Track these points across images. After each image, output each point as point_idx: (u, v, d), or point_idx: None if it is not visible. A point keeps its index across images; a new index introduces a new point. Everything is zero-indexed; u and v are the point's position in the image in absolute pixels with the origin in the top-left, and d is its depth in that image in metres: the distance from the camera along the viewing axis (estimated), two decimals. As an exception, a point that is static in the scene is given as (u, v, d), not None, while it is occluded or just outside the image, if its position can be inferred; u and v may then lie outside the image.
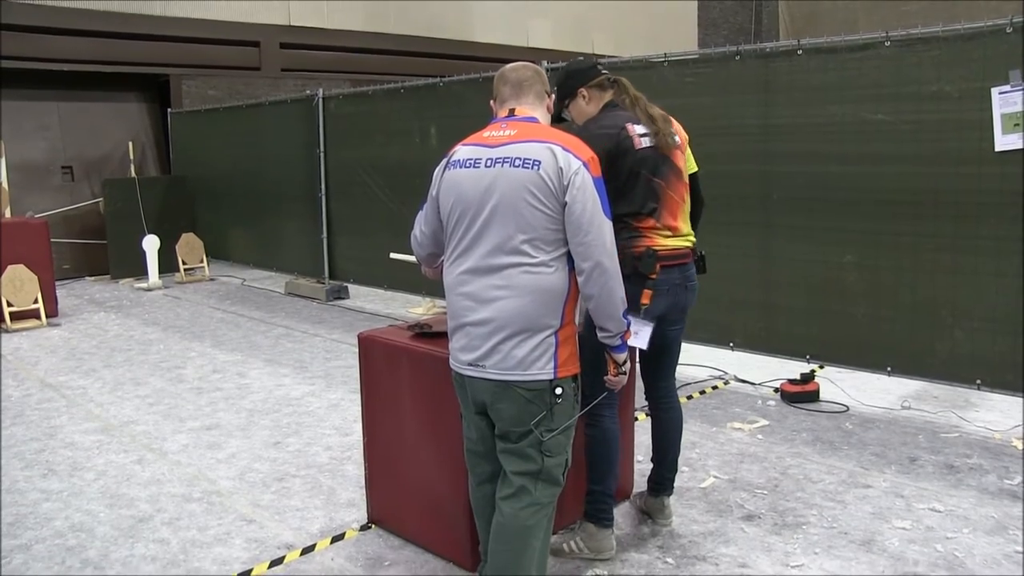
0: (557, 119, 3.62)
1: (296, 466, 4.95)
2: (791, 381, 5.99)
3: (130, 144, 12.57)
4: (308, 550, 3.92)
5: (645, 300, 3.48)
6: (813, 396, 5.88)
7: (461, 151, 3.06)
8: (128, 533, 4.14)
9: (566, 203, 2.84)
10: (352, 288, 10.21)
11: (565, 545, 3.74)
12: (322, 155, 10.02)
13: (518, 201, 2.85)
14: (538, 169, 2.84)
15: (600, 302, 2.93)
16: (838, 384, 6.11)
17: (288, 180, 10.74)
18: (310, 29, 14.54)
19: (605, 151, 3.34)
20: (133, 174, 12.35)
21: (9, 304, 8.87)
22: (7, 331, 8.78)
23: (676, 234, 3.60)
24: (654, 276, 3.49)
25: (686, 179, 3.71)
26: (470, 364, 2.99)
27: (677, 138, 3.68)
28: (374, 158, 9.36)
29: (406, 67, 15.04)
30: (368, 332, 4.04)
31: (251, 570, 3.75)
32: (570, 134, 3.04)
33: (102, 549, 3.98)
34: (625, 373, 3.21)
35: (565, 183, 2.83)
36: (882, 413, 5.67)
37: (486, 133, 3.04)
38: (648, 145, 3.55)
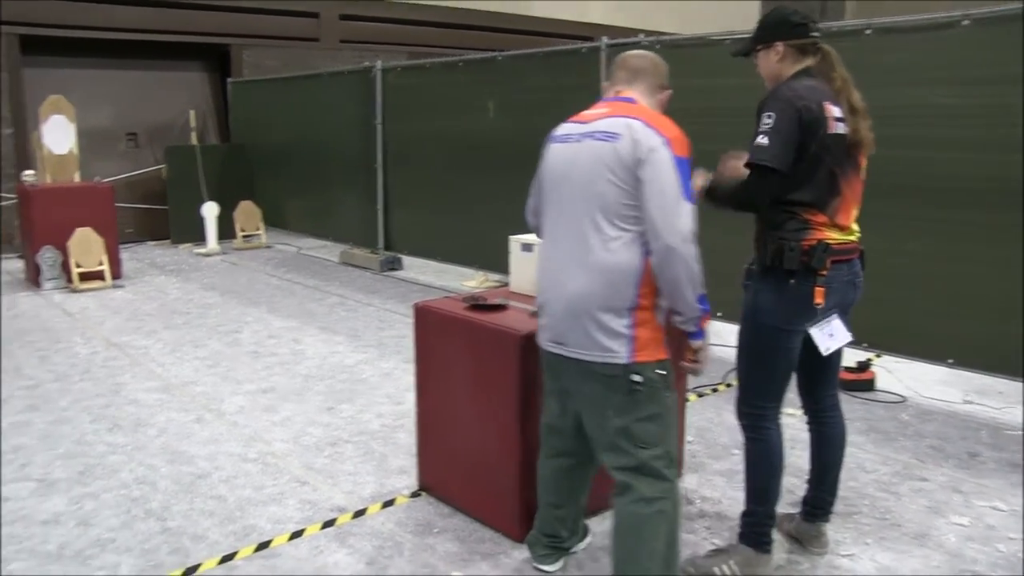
0: (741, 54, 3.43)
1: (349, 432, 5.09)
2: (846, 368, 5.80)
3: (191, 112, 12.80)
4: (359, 514, 4.04)
5: (819, 299, 3.17)
6: (868, 385, 5.81)
7: (562, 127, 3.08)
8: (188, 488, 4.30)
9: (640, 179, 2.77)
10: (406, 259, 10.34)
11: (716, 568, 3.43)
12: (379, 126, 10.13)
13: (596, 175, 2.83)
14: (616, 142, 2.80)
15: (670, 285, 2.81)
16: (895, 374, 6.04)
17: (345, 150, 10.88)
18: (369, 1, 14.63)
19: (796, 124, 3.05)
20: (194, 142, 12.59)
21: (77, 265, 9.14)
22: (75, 291, 9.04)
23: (846, 229, 3.25)
24: (824, 272, 3.16)
25: (863, 177, 3.35)
26: (552, 342, 2.98)
27: (871, 135, 3.27)
28: (430, 130, 9.44)
29: (463, 40, 15.10)
30: (423, 302, 4.12)
31: (304, 530, 3.88)
32: (661, 115, 2.95)
33: (163, 501, 4.14)
34: (700, 362, 3.06)
35: (641, 157, 2.75)
36: (941, 406, 5.57)
37: (588, 111, 3.03)
38: (839, 132, 3.16)
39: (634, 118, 2.83)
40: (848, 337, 3.29)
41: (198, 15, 12.92)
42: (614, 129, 2.83)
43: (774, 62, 3.28)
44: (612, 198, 2.79)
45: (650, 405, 2.86)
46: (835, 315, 3.25)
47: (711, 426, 5.09)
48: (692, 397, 5.46)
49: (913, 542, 3.78)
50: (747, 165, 3.11)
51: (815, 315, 3.19)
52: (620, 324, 2.82)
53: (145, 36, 12.55)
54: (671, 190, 2.75)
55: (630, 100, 3.00)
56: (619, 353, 2.81)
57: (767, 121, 3.07)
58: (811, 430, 3.66)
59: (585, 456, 3.22)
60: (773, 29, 3.28)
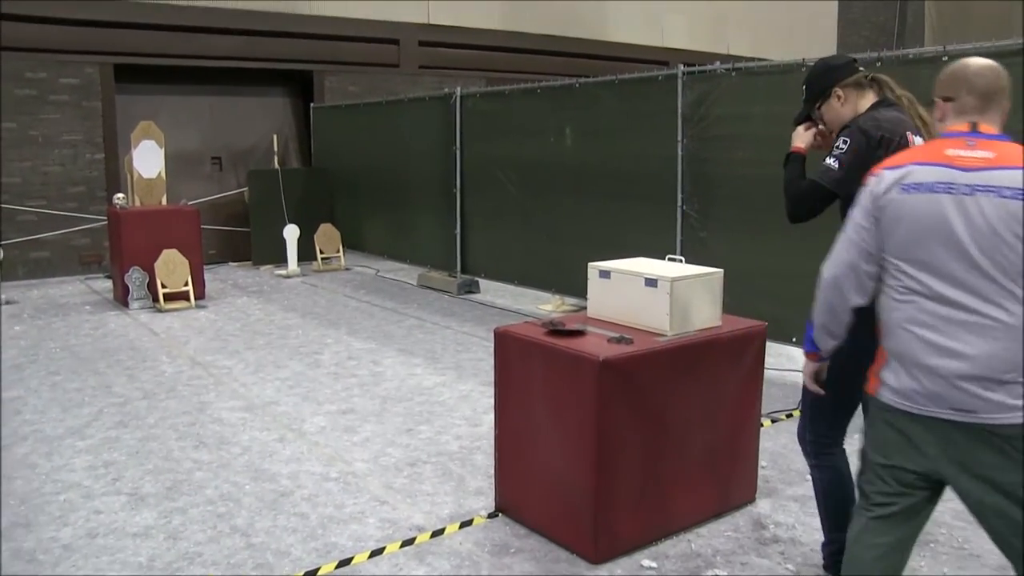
0: (805, 117, 3.45)
1: (427, 453, 5.15)
2: None
3: (274, 137, 13.13)
4: (438, 533, 4.08)
5: None
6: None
7: (919, 172, 2.51)
8: (271, 505, 4.39)
9: None
10: (483, 282, 10.42)
11: None
12: (458, 151, 10.26)
13: (1002, 237, 2.40)
14: None
15: None
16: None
17: (424, 175, 11.04)
18: (448, 28, 14.86)
19: (867, 153, 3.01)
20: (276, 166, 12.89)
21: (163, 285, 9.42)
22: (160, 310, 9.31)
23: None
24: None
25: None
26: (950, 408, 2.45)
27: None
28: (509, 156, 9.54)
29: (541, 65, 15.23)
30: (503, 327, 4.18)
31: (384, 548, 3.93)
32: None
33: (248, 518, 4.24)
34: None
35: None
36: None
37: (949, 151, 2.50)
38: None
39: None
40: None
41: (283, 42, 13.28)
42: (1019, 185, 2.41)
43: (839, 107, 3.30)
44: (1014, 259, 2.41)
45: None
46: None
47: (785, 451, 5.04)
48: (766, 423, 5.41)
49: (993, 574, 3.70)
50: (812, 183, 3.16)
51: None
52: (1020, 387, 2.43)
53: (231, 63, 12.94)
54: None
55: (1004, 138, 2.54)
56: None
57: (841, 146, 3.10)
58: None
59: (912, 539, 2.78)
60: (825, 78, 3.34)
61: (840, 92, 3.27)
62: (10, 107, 11.25)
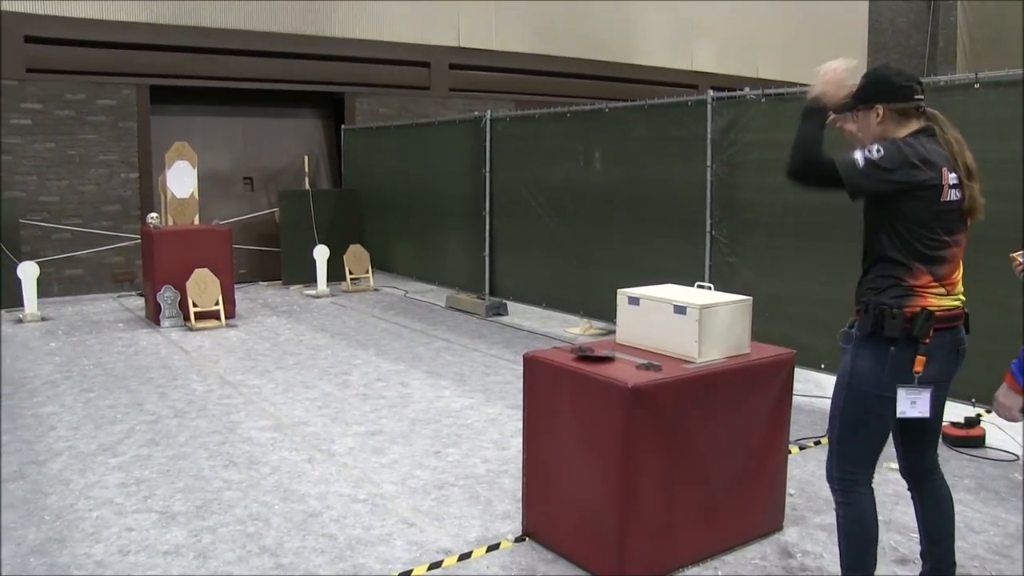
0: (844, 109, 3.25)
1: (455, 476, 5.17)
2: (954, 424, 5.72)
3: (305, 158, 13.28)
4: (465, 556, 4.10)
5: (918, 367, 3.07)
6: (978, 441, 5.63)
7: None
8: (300, 526, 4.43)
9: None
10: (511, 305, 10.45)
11: None
12: (487, 174, 10.33)
13: None
14: None
15: None
16: (1007, 431, 5.83)
17: (453, 197, 11.11)
18: (478, 51, 14.98)
19: (906, 184, 2.99)
20: (307, 186, 13.02)
21: (194, 304, 9.53)
22: (191, 329, 9.42)
23: (951, 293, 3.14)
24: (927, 341, 3.06)
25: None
26: None
27: (981, 201, 3.14)
28: (538, 179, 9.59)
29: (570, 88, 15.34)
30: (533, 352, 4.20)
31: (411, 571, 3.95)
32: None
33: (277, 538, 4.27)
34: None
35: None
36: (1055, 464, 5.37)
37: None
38: (954, 199, 3.05)
39: None
40: (927, 413, 3.13)
41: (315, 65, 13.45)
42: None
43: (874, 124, 3.18)
44: None
45: None
46: (930, 388, 3.12)
47: (813, 479, 5.01)
48: (794, 450, 5.38)
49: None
50: (831, 163, 3.05)
51: (913, 381, 3.10)
52: None
53: (264, 85, 13.13)
54: None
55: None
56: None
57: (876, 151, 2.99)
58: (912, 496, 3.54)
59: None
60: (875, 90, 3.17)
61: (882, 111, 3.15)
62: (49, 128, 11.48)
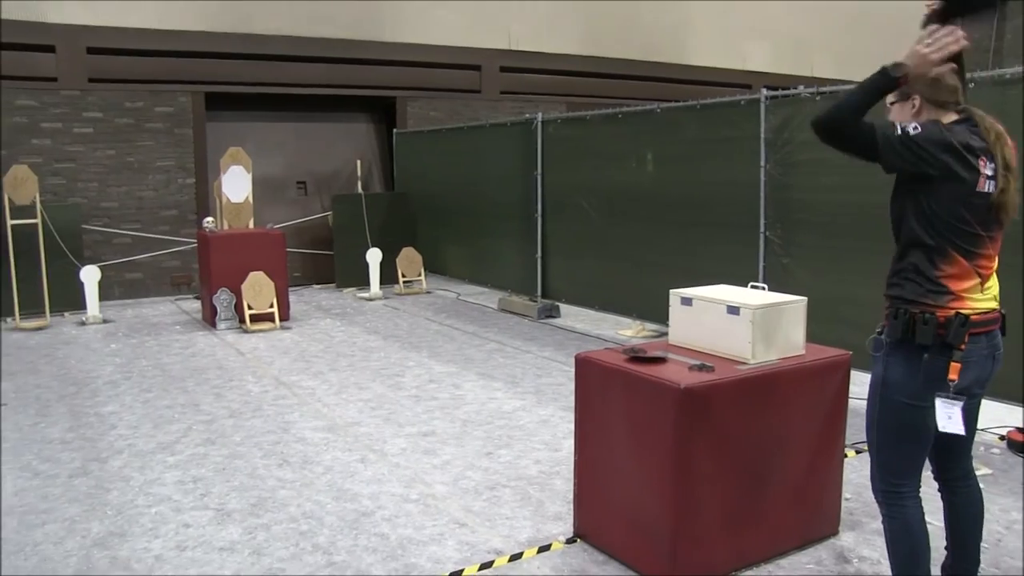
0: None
1: (507, 477, 5.17)
2: (1019, 429, 5.60)
3: (358, 162, 13.39)
4: (516, 557, 4.10)
5: (953, 375, 2.95)
6: (1046, 447, 5.51)
7: None
8: (352, 525, 4.46)
9: None
10: (563, 307, 10.43)
11: None
12: (539, 176, 10.33)
13: None
14: None
15: None
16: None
17: (505, 199, 11.14)
18: (529, 53, 15.00)
19: (940, 165, 2.89)
20: (360, 190, 13.13)
21: (249, 307, 9.66)
22: (246, 331, 9.55)
23: (986, 292, 3.04)
24: (962, 348, 2.96)
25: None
26: None
27: (1017, 199, 3.04)
28: (589, 181, 9.57)
29: (621, 90, 15.28)
30: (584, 353, 4.19)
31: (463, 570, 3.96)
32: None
33: (330, 537, 4.32)
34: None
35: None
36: (1119, 468, 5.23)
37: None
38: (989, 191, 2.95)
39: None
40: (961, 430, 3.00)
41: (367, 69, 13.58)
42: None
43: (909, 115, 3.07)
44: None
45: None
46: (963, 402, 2.98)
47: (869, 483, 4.91)
48: (850, 453, 5.29)
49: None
50: (870, 126, 2.92)
51: (948, 390, 2.98)
52: None
53: (317, 90, 13.29)
54: None
55: None
56: None
57: (913, 128, 2.90)
58: (943, 498, 3.44)
59: None
60: (915, 81, 3.03)
61: (918, 102, 3.06)
62: (108, 135, 11.77)
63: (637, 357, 3.93)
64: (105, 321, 10.25)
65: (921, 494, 3.24)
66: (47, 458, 5.53)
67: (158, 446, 5.73)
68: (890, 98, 3.12)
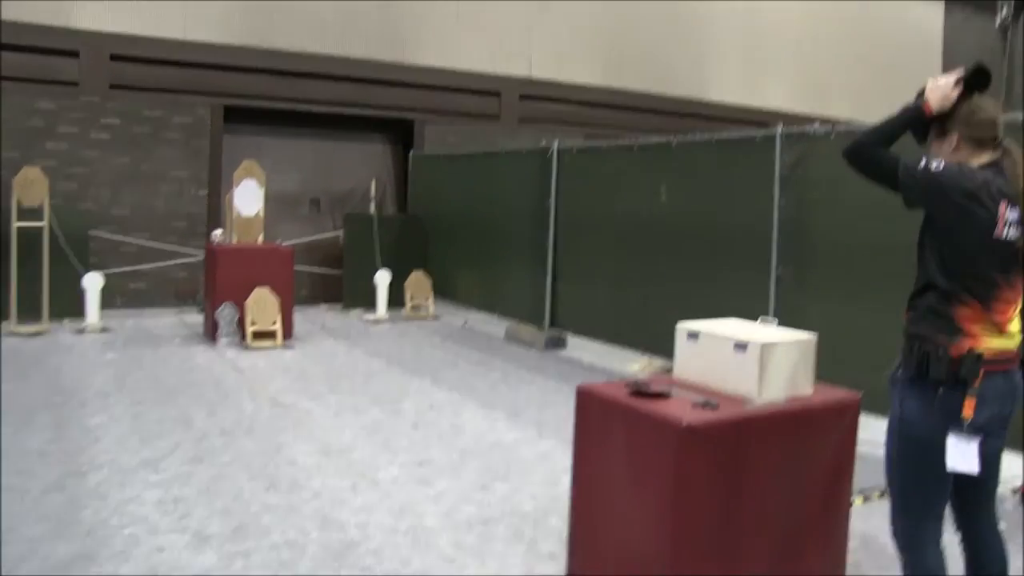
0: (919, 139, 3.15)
1: (501, 511, 4.98)
2: None
3: (372, 182, 13.29)
4: (504, 597, 3.91)
5: (968, 412, 2.89)
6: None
7: None
8: (336, 556, 4.27)
9: None
10: (570, 338, 10.24)
11: None
12: (552, 205, 10.20)
13: None
14: None
15: None
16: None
17: (517, 227, 11.00)
18: (548, 82, 14.93)
19: (955, 207, 2.88)
20: (372, 211, 13.02)
21: (252, 323, 9.50)
22: (248, 348, 9.39)
23: (1003, 332, 2.98)
24: (976, 384, 2.90)
25: None
26: None
27: None
28: (602, 211, 9.44)
29: (638, 122, 15.16)
30: (586, 385, 4.01)
31: (448, 609, 3.78)
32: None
33: (311, 568, 4.12)
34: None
35: None
36: None
37: None
38: (1011, 238, 2.92)
39: None
40: (975, 470, 2.90)
41: (386, 91, 13.51)
42: None
43: (947, 154, 3.04)
44: None
45: None
46: (978, 439, 2.90)
47: (877, 533, 4.69)
48: (857, 500, 5.08)
49: None
50: (895, 158, 2.98)
51: (962, 427, 2.91)
52: None
53: (335, 109, 13.22)
54: None
55: None
56: None
57: (936, 165, 2.92)
58: (965, 552, 3.29)
59: None
60: (952, 118, 3.05)
61: (955, 140, 3.05)
62: (125, 142, 11.70)
63: (640, 392, 3.74)
64: (104, 330, 10.09)
65: (942, 546, 3.09)
66: (21, 471, 5.31)
67: (142, 462, 5.54)
68: (931, 136, 3.13)
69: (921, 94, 3.08)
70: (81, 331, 9.96)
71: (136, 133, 11.77)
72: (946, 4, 20.86)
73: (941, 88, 3.02)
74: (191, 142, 12.16)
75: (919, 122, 3.07)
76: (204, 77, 12.15)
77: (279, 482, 5.30)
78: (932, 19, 20.62)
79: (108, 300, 10.69)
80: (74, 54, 11.32)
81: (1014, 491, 5.55)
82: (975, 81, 3.06)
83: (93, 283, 10.04)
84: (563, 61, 15.10)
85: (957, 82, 3.03)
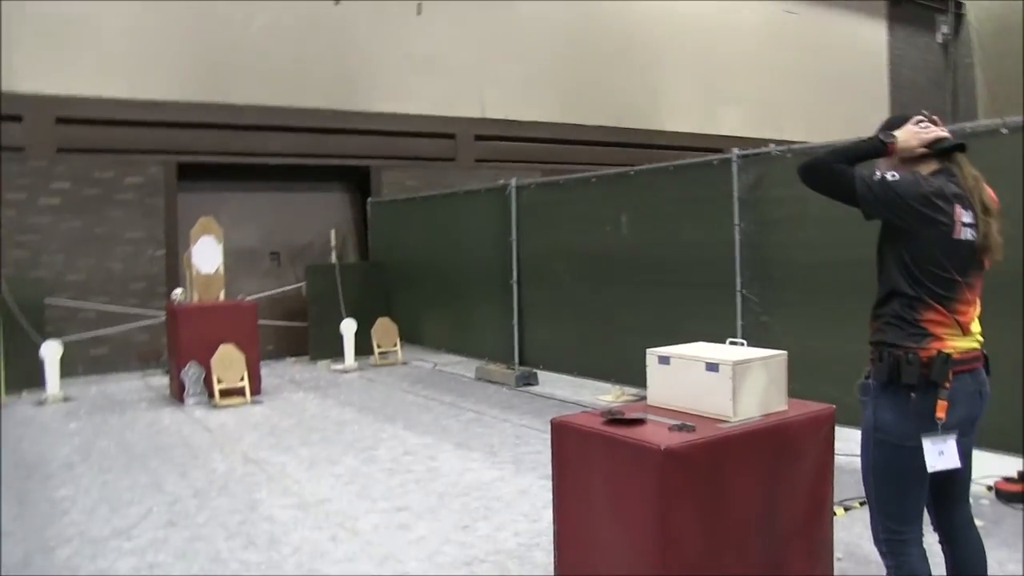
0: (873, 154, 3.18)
1: (484, 551, 4.91)
2: (1007, 479, 5.52)
3: (332, 232, 13.24)
4: (494, 638, 3.85)
5: (940, 413, 2.98)
6: (1034, 496, 5.36)
7: None
8: (319, 610, 4.19)
9: None
10: (541, 375, 10.22)
11: None
12: (514, 243, 10.21)
13: None
14: None
15: None
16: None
17: (480, 267, 10.99)
18: (503, 121, 15.03)
19: (915, 214, 2.96)
20: (334, 260, 12.95)
21: (219, 381, 9.37)
22: (216, 406, 9.25)
23: (966, 333, 3.08)
24: (947, 385, 2.99)
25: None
26: None
27: (999, 240, 3.11)
28: (565, 246, 9.46)
29: (596, 156, 15.29)
30: (560, 417, 3.99)
31: (437, 656, 3.71)
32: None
33: (295, 624, 4.04)
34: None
35: None
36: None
37: None
38: (967, 239, 3.02)
39: None
40: (957, 463, 3.03)
41: (341, 139, 13.53)
42: None
43: (897, 164, 3.15)
44: None
45: None
46: (954, 435, 3.03)
47: (861, 541, 4.71)
48: (839, 511, 5.09)
49: None
50: (851, 172, 3.04)
51: (937, 429, 3.01)
52: None
53: (290, 160, 13.18)
54: None
55: None
56: None
57: (891, 175, 3.01)
58: (945, 552, 3.33)
59: None
60: (895, 126, 3.19)
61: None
62: (77, 206, 11.54)
63: (615, 419, 3.73)
64: (66, 399, 9.86)
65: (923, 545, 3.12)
66: (-16, 552, 5.12)
67: (113, 532, 5.38)
68: None
69: (886, 128, 3.18)
70: (42, 402, 9.71)
71: (88, 196, 11.62)
72: (889, 24, 21.39)
73: (918, 139, 3.13)
74: (145, 201, 12.04)
75: (878, 154, 3.16)
76: (155, 135, 12.06)
77: (257, 539, 5.20)
78: (877, 40, 21.14)
79: (69, 368, 10.49)
80: (17, 119, 11.14)
81: (989, 488, 5.61)
82: (951, 147, 3.15)
83: (51, 352, 9.83)
84: (517, 100, 15.23)
85: (935, 142, 3.14)
